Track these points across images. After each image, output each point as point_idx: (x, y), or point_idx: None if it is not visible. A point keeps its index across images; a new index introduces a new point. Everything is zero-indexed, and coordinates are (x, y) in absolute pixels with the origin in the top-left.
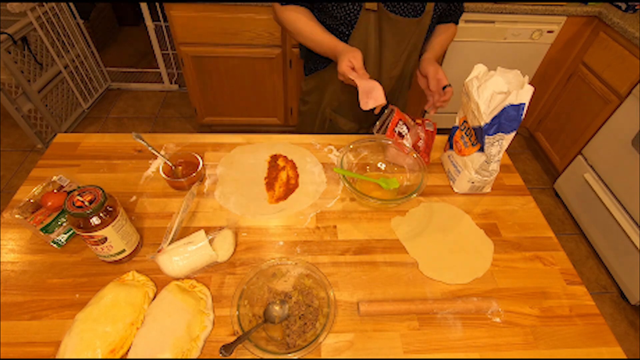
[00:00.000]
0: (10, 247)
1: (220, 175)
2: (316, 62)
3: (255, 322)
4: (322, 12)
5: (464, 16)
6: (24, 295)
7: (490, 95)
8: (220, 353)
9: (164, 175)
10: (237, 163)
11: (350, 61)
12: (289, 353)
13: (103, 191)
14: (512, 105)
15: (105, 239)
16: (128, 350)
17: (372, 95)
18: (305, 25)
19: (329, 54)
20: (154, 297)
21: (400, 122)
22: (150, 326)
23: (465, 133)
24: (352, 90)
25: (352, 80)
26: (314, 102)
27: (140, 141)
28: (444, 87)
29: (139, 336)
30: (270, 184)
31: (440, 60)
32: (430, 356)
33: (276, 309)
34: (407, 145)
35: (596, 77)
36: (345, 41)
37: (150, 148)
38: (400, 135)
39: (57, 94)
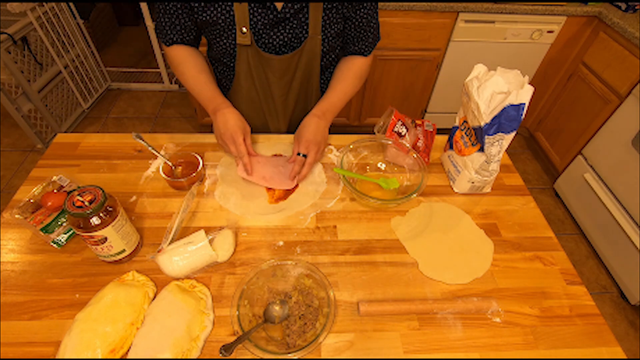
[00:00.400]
0: (10, 247)
1: (220, 175)
2: None
3: (255, 322)
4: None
5: (464, 16)
6: (24, 295)
7: (490, 95)
8: (220, 353)
9: (164, 175)
10: None
11: (242, 133)
12: (289, 353)
13: (103, 191)
14: (512, 105)
15: (105, 239)
16: (128, 350)
17: (269, 180)
18: (189, 70)
19: (207, 104)
20: (154, 297)
21: (399, 123)
22: (150, 326)
23: (465, 133)
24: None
25: (240, 155)
26: None
27: (140, 141)
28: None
29: (139, 336)
30: None
31: (335, 111)
32: (430, 356)
33: (276, 309)
34: (407, 145)
35: (596, 77)
36: (231, 71)
37: (150, 148)
38: (399, 135)
39: (57, 94)
